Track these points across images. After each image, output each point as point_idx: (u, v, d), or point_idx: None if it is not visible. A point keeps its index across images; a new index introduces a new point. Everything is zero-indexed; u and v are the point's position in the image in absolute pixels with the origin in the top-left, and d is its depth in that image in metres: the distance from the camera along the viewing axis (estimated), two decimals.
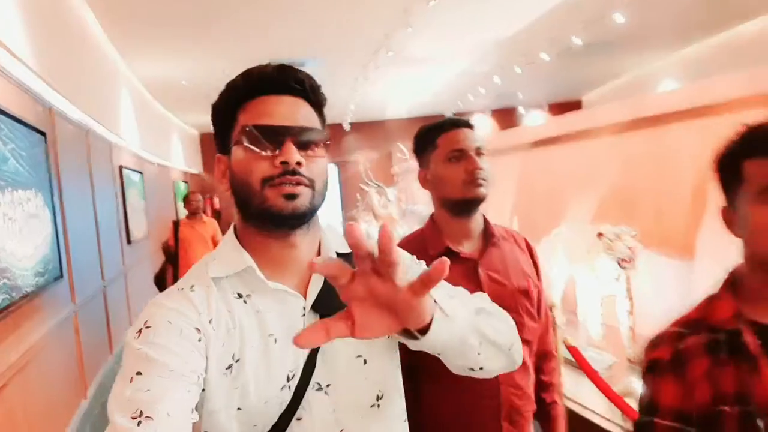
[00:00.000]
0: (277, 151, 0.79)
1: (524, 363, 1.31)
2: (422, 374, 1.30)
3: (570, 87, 11.40)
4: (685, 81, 8.08)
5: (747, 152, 0.96)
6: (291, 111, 0.82)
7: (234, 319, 0.79)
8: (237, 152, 0.81)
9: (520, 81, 9.17)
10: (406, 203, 7.06)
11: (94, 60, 4.95)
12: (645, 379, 0.94)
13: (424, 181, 1.43)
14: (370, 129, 12.92)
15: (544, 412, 1.50)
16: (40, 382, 2.54)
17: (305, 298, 0.82)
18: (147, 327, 0.74)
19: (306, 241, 0.85)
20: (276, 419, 0.77)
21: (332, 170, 12.50)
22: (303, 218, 0.81)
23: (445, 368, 1.19)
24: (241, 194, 0.81)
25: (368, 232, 5.80)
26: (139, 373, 0.69)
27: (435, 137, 1.39)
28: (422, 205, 7.13)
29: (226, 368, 0.77)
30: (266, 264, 0.82)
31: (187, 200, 5.39)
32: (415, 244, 1.39)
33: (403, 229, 5.80)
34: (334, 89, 8.27)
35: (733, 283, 0.96)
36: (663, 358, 0.91)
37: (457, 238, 1.38)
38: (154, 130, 7.84)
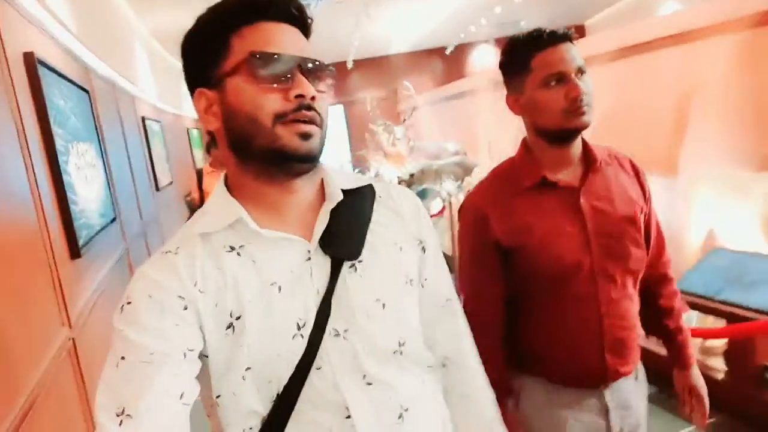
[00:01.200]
0: (290, 84, 0.71)
1: (627, 293, 1.27)
2: (520, 306, 1.29)
3: (572, 12, 11.30)
4: (686, 3, 8.05)
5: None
6: (296, 41, 0.75)
7: (225, 275, 0.73)
8: (237, 84, 0.72)
9: (520, 9, 9.16)
10: (414, 140, 7.31)
11: (111, 15, 5.16)
12: None
13: (517, 107, 1.29)
14: (373, 66, 12.94)
15: (670, 340, 1.42)
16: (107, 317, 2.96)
17: (309, 241, 0.77)
18: (128, 303, 0.71)
19: (308, 185, 0.80)
20: (293, 371, 0.72)
21: (339, 110, 12.64)
22: (314, 161, 0.76)
23: (543, 300, 1.27)
24: (242, 132, 0.73)
25: (379, 171, 6.09)
26: (123, 358, 0.67)
27: (529, 58, 1.22)
28: (429, 140, 7.39)
29: (227, 328, 0.72)
30: (264, 212, 0.77)
31: (209, 149, 5.47)
32: (505, 176, 1.33)
33: (412, 165, 6.09)
34: (336, 26, 8.36)
35: None
36: None
37: (555, 167, 1.27)
38: (167, 81, 8.06)
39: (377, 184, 0.88)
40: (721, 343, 2.71)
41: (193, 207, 5.33)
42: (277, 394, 0.72)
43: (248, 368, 0.72)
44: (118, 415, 0.64)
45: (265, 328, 0.72)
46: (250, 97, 0.72)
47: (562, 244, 1.23)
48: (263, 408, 0.73)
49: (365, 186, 0.86)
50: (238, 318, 0.72)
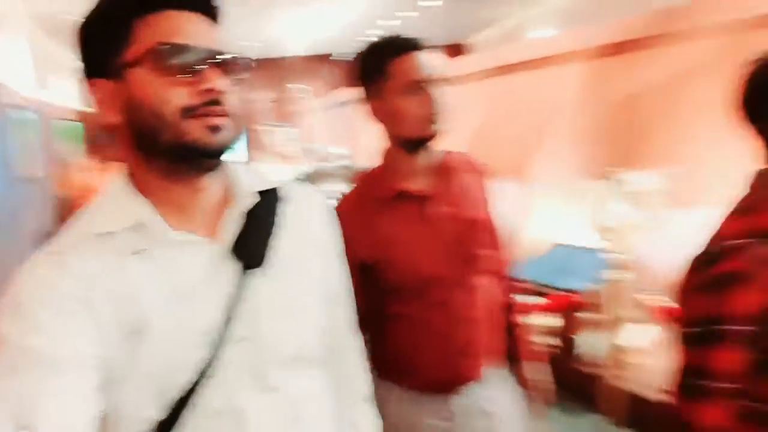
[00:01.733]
0: (199, 77, 0.67)
1: (484, 295, 1.29)
2: (385, 315, 1.29)
3: (463, 29, 12.01)
4: (558, 29, 8.92)
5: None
6: (206, 31, 0.70)
7: (127, 280, 0.68)
8: (140, 75, 0.67)
9: (415, 23, 9.63)
10: (306, 142, 7.41)
11: None
12: (716, 292, 0.88)
13: (377, 115, 1.27)
14: (269, 67, 12.87)
15: (507, 335, 1.43)
16: None
17: (216, 244, 0.73)
18: (17, 305, 0.64)
19: (215, 183, 0.75)
20: (195, 378, 0.68)
21: None
22: (224, 152, 0.72)
23: (406, 309, 1.25)
24: (147, 128, 0.68)
25: (269, 171, 6.13)
26: (16, 367, 0.61)
27: (385, 63, 1.21)
28: (320, 143, 7.54)
29: (128, 336, 0.66)
30: (169, 212, 0.72)
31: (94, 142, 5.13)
32: (365, 188, 1.34)
33: (305, 167, 6.20)
34: (232, 25, 8.26)
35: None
36: (739, 269, 0.87)
37: (411, 175, 1.27)
38: (47, 68, 7.50)
39: (282, 185, 0.84)
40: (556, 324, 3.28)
41: (63, 204, 4.98)
42: (175, 402, 0.68)
43: (151, 378, 0.67)
44: None
45: (171, 335, 0.68)
46: (155, 90, 0.67)
47: (419, 254, 1.25)
48: (154, 419, 0.68)
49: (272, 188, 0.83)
50: (139, 326, 0.67)
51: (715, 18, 3.44)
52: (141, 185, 0.72)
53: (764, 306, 0.86)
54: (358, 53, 1.28)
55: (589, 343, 3.12)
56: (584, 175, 3.32)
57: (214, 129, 0.68)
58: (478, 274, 1.29)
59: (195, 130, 0.67)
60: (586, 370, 3.08)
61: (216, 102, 0.68)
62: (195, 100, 0.67)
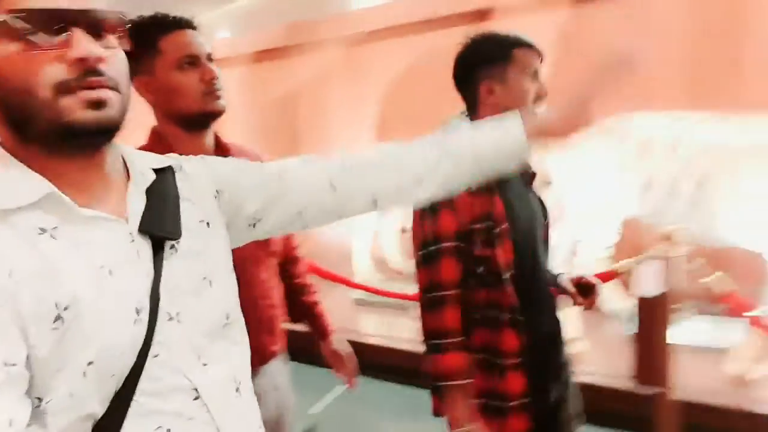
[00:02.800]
0: (66, 45, 0.59)
1: (273, 273, 1.33)
2: None
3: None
4: (234, 32, 9.20)
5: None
6: None
7: (42, 261, 0.61)
8: (1, 50, 0.59)
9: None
10: None
11: None
12: (428, 218, 1.19)
13: (147, 92, 1.20)
14: None
15: (309, 315, 1.50)
16: None
17: (127, 222, 0.68)
18: None
19: (110, 158, 0.69)
20: (134, 361, 0.64)
21: None
22: (114, 131, 0.65)
23: None
24: (20, 107, 0.61)
25: None
26: None
27: (155, 39, 1.17)
28: None
29: (54, 321, 0.60)
30: (66, 189, 0.64)
31: None
32: None
33: None
34: None
35: None
36: (440, 200, 1.06)
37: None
38: None
39: (172, 160, 0.79)
40: None
41: None
42: (116, 390, 0.63)
43: (90, 362, 0.60)
44: None
45: (103, 314, 0.62)
46: (21, 66, 0.59)
47: None
48: (101, 408, 0.62)
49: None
50: (66, 308, 0.60)
51: (339, 33, 4.39)
52: (26, 162, 0.63)
53: (459, 225, 1.17)
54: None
55: None
56: None
57: (97, 104, 0.61)
58: (269, 254, 1.32)
59: (73, 109, 0.60)
60: None
61: (94, 72, 0.61)
62: (68, 74, 0.59)
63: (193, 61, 1.18)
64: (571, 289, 1.36)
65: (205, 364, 0.71)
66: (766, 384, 2.02)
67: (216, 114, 1.22)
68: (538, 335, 1.24)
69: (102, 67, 0.61)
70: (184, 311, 0.70)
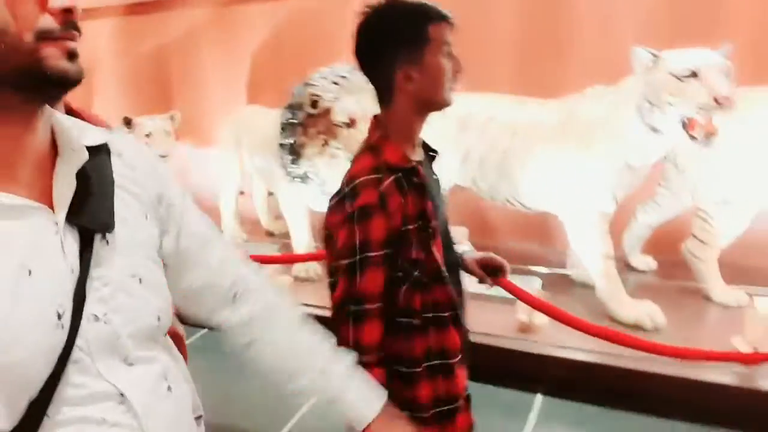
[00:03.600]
0: None
1: None
2: None
3: None
4: None
5: (429, 18, 1.08)
6: None
7: None
8: None
9: None
10: None
11: None
12: (356, 222, 1.04)
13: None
14: None
15: None
16: None
17: (53, 210, 0.62)
18: None
19: (43, 123, 0.64)
20: (51, 369, 0.59)
21: None
22: (77, 84, 0.62)
23: None
24: None
25: None
26: None
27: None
28: None
29: None
30: None
31: None
32: None
33: None
34: None
35: (385, 134, 1.12)
36: (372, 202, 1.03)
37: None
38: None
39: (109, 137, 0.73)
40: None
41: None
42: (29, 402, 0.58)
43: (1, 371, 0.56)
44: None
45: (17, 321, 0.56)
46: (3, 9, 0.57)
47: None
48: (8, 423, 0.57)
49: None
50: None
51: None
52: None
53: (390, 230, 1.05)
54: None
55: None
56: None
57: (73, 55, 0.60)
58: None
59: (53, 56, 0.59)
60: None
61: (74, 25, 0.60)
62: (53, 23, 0.59)
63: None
64: (479, 272, 1.34)
65: (131, 365, 0.66)
66: (547, 330, 2.41)
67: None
68: (463, 324, 1.20)
69: (75, 19, 0.61)
70: (113, 311, 0.64)
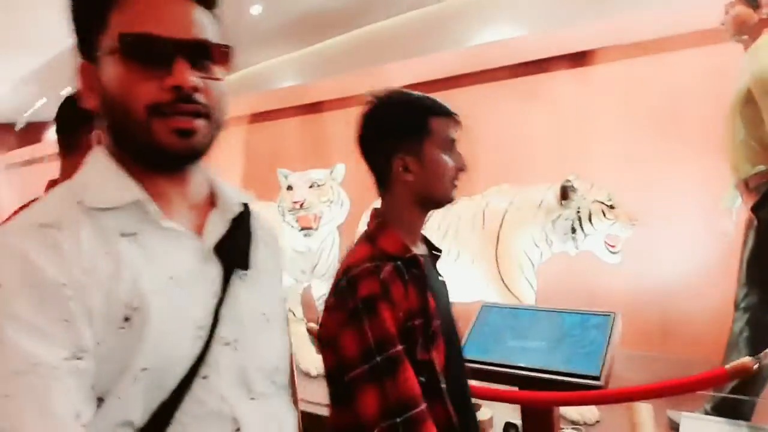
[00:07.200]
0: (166, 71, 0.63)
1: None
2: None
3: None
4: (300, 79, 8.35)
5: (431, 111, 1.10)
6: (181, 17, 0.65)
7: (118, 262, 0.62)
8: (110, 65, 0.64)
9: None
10: None
11: None
12: (364, 319, 0.94)
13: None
14: None
15: None
16: None
17: (203, 241, 0.70)
18: None
19: (198, 176, 0.73)
20: (184, 376, 0.63)
21: None
22: (199, 156, 0.69)
23: None
24: (119, 121, 0.65)
25: None
26: None
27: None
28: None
29: (123, 321, 0.60)
30: (154, 199, 0.67)
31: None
32: None
33: None
34: None
35: (383, 223, 1.09)
36: (374, 291, 0.95)
37: None
38: None
39: (250, 200, 0.82)
40: None
41: None
42: (159, 404, 0.63)
43: (144, 369, 0.61)
44: None
45: (167, 323, 0.63)
46: (122, 84, 0.63)
47: None
48: (141, 418, 0.62)
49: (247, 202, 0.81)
50: (135, 310, 0.61)
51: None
52: (122, 167, 0.68)
53: (398, 321, 0.95)
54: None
55: None
56: None
57: (184, 132, 0.65)
58: None
59: (162, 133, 0.64)
60: None
61: (187, 99, 0.64)
62: (162, 97, 0.63)
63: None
64: None
65: (252, 399, 0.70)
66: None
67: None
68: None
69: (196, 95, 0.64)
70: (242, 340, 0.70)
